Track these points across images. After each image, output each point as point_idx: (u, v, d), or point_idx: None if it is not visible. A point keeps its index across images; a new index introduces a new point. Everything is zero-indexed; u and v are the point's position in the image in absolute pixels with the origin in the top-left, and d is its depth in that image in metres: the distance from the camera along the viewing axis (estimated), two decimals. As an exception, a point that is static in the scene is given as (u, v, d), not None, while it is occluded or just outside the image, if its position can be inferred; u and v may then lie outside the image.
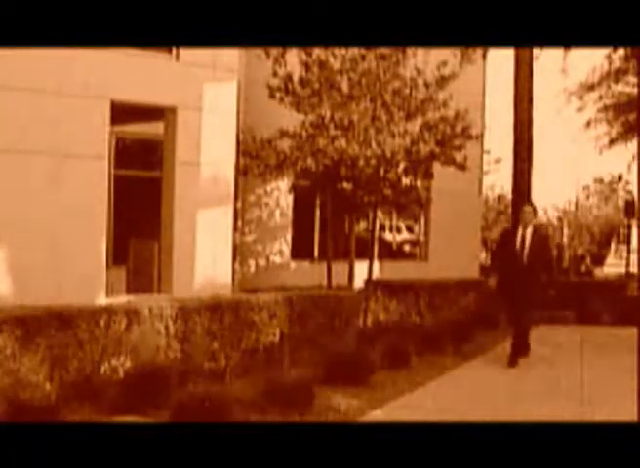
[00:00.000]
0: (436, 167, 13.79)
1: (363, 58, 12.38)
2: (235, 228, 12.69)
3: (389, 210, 16.63)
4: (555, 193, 55.56)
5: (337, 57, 12.43)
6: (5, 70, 9.38)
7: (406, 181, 13.80)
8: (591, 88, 22.63)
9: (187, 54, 10.88)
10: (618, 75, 21.54)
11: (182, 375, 6.99)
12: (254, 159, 13.01)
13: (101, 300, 9.82)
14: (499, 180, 32.27)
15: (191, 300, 8.20)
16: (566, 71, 20.63)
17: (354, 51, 12.29)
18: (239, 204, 13.92)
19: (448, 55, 12.90)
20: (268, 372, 7.09)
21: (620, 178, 43.17)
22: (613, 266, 33.78)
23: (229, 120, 11.64)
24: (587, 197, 45.29)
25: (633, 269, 24.57)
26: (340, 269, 13.38)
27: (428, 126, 13.02)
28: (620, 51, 19.42)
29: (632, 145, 22.68)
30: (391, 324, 11.50)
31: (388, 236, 17.80)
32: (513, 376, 8.76)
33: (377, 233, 15.55)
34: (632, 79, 20.68)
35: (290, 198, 15.14)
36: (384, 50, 12.36)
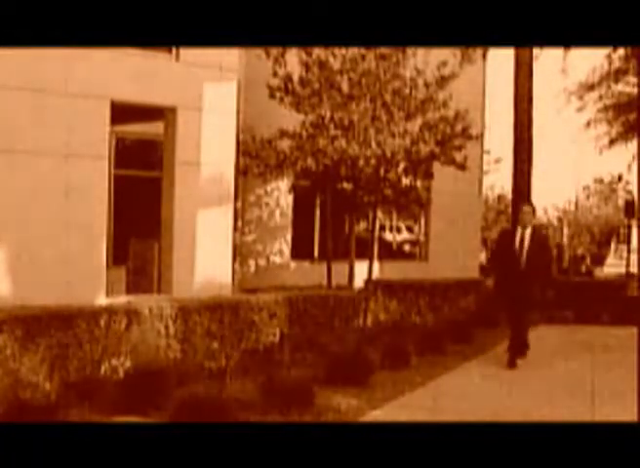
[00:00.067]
0: (436, 167, 13.80)
1: (363, 58, 12.39)
2: (235, 228, 12.69)
3: (389, 210, 16.63)
4: (555, 193, 55.57)
5: (337, 57, 12.44)
6: (5, 70, 9.38)
7: (406, 181, 13.82)
8: (591, 88, 22.63)
9: (187, 54, 10.88)
10: (618, 75, 21.54)
11: (182, 375, 6.99)
12: (254, 159, 13.02)
13: (101, 300, 9.82)
14: (499, 180, 32.34)
15: (191, 300, 8.21)
16: (566, 71, 20.65)
17: (354, 51, 12.30)
18: (239, 204, 13.92)
19: (448, 55, 12.91)
20: (268, 372, 7.09)
21: (619, 178, 43.17)
22: (613, 266, 33.75)
23: (229, 120, 11.64)
24: (587, 197, 45.27)
25: (633, 269, 24.55)
26: (340, 269, 13.39)
27: (428, 126, 13.03)
28: (620, 51, 19.42)
29: (632, 145, 22.66)
30: (391, 324, 11.50)
31: (388, 236, 17.80)
32: (513, 376, 8.75)
33: (377, 233, 15.55)
34: (632, 79, 20.69)
35: (290, 198, 15.15)
36: (384, 50, 12.37)
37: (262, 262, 14.97)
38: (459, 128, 13.26)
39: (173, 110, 11.12)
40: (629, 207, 27.47)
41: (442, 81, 13.14)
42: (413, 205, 16.15)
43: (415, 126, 12.98)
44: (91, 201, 10.26)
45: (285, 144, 12.79)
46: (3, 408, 5.72)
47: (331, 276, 13.23)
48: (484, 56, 16.52)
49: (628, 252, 27.21)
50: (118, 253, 11.76)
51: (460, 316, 11.90)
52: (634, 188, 34.49)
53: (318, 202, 15.57)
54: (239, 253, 13.96)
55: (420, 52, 12.92)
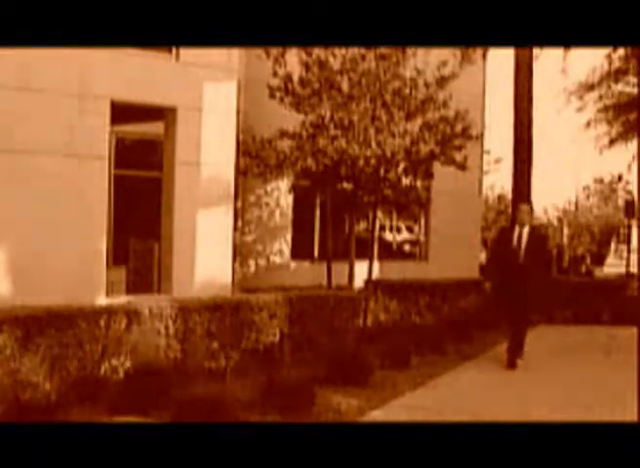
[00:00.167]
0: (436, 167, 13.79)
1: (363, 58, 12.37)
2: (235, 228, 12.68)
3: (389, 210, 16.63)
4: (555, 193, 55.47)
5: (337, 57, 12.42)
6: (5, 70, 9.38)
7: (406, 181, 13.81)
8: (591, 88, 22.63)
9: (187, 54, 10.87)
10: (618, 75, 21.54)
11: (182, 375, 6.99)
12: (254, 159, 13.01)
13: (101, 300, 9.81)
14: (499, 180, 32.32)
15: (191, 300, 8.20)
16: (566, 71, 20.64)
17: (354, 51, 12.29)
18: (239, 204, 13.92)
19: (448, 55, 12.90)
20: (268, 372, 7.09)
21: (620, 178, 43.14)
22: (613, 266, 33.76)
23: (229, 120, 11.63)
24: (587, 197, 45.23)
25: (633, 269, 24.56)
26: (340, 269, 13.38)
27: (428, 126, 13.01)
28: (620, 51, 19.42)
29: (632, 145, 22.67)
30: (391, 324, 11.50)
31: (388, 236, 17.80)
32: (513, 376, 8.75)
33: (377, 233, 15.54)
34: (632, 79, 20.69)
35: (290, 198, 15.14)
36: (384, 50, 12.36)
37: (262, 262, 14.97)
38: (459, 128, 13.25)
39: (173, 110, 11.11)
40: (629, 207, 27.50)
41: (442, 81, 13.12)
42: (413, 205, 16.16)
43: (415, 126, 12.96)
44: (91, 201, 10.26)
45: (285, 144, 12.78)
46: (3, 408, 5.73)
47: (331, 276, 13.23)
48: (484, 56, 16.52)
49: (628, 252, 27.23)
50: (118, 253, 11.76)
51: (459, 316, 11.90)
52: (634, 188, 34.46)
53: (318, 202, 15.57)
54: (239, 252, 13.95)
55: (420, 52, 12.90)
